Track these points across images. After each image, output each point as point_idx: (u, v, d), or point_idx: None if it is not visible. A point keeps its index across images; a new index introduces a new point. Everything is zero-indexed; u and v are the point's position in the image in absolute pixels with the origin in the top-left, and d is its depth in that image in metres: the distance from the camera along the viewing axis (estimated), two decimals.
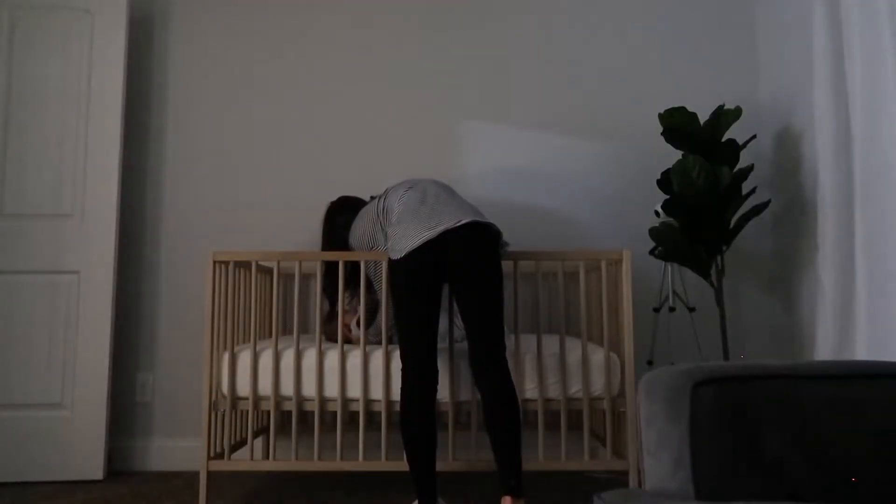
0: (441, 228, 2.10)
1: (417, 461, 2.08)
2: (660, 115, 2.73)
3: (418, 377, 2.11)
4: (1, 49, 3.00)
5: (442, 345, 2.28)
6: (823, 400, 1.00)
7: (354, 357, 2.37)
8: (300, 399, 2.36)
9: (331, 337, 2.59)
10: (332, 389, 2.36)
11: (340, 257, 2.43)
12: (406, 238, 2.12)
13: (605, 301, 2.43)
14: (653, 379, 1.03)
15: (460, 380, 2.33)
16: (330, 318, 2.59)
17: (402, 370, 2.15)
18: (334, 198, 2.80)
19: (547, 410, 2.35)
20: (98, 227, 2.96)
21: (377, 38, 3.29)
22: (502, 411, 2.07)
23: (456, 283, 2.17)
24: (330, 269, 2.52)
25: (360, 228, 2.46)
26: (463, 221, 2.12)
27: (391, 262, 2.17)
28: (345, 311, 2.55)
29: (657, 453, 0.98)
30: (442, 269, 2.12)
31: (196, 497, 2.53)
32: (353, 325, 2.60)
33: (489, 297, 2.13)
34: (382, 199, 2.40)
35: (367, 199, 2.69)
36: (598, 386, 2.35)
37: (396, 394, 2.34)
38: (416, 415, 2.08)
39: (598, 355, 2.38)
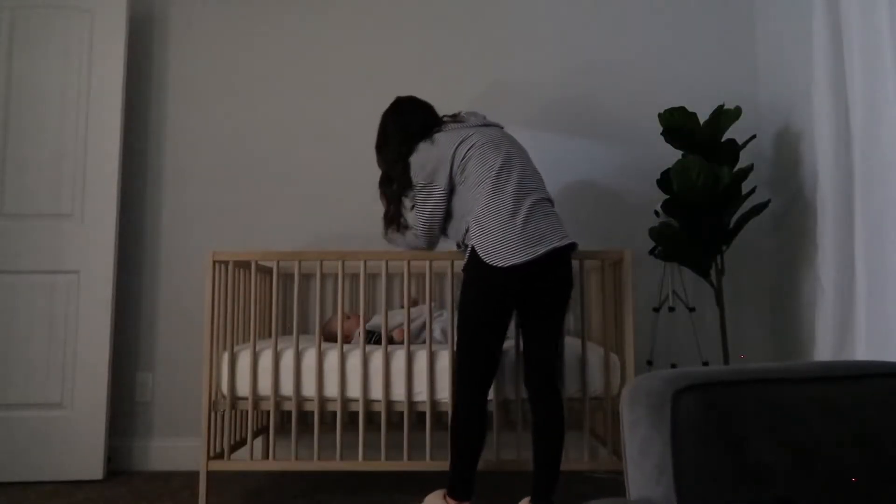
0: (547, 248, 2.02)
1: (467, 459, 2.09)
2: (660, 115, 2.73)
3: (482, 383, 2.10)
4: (1, 49, 3.00)
5: None
6: (810, 403, 0.99)
7: (354, 357, 2.37)
8: (300, 399, 2.36)
9: (330, 337, 2.60)
10: (331, 389, 2.36)
11: (346, 258, 2.42)
12: (506, 246, 2.01)
13: (605, 301, 2.43)
14: (635, 386, 1.03)
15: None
16: (392, 220, 2.37)
17: (464, 371, 2.11)
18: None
19: None
20: (98, 227, 2.96)
21: (377, 36, 3.29)
22: (552, 437, 2.11)
23: (534, 298, 2.11)
24: (386, 178, 2.37)
25: (425, 158, 2.20)
26: (565, 242, 2.08)
27: (483, 265, 2.03)
28: (346, 317, 2.55)
29: (640, 461, 0.98)
30: (529, 282, 2.07)
31: (196, 497, 2.53)
32: (355, 333, 2.60)
33: (560, 320, 2.16)
34: (463, 146, 2.16)
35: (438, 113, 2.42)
36: (597, 386, 2.35)
37: (395, 394, 2.35)
38: (475, 420, 2.09)
39: (598, 355, 2.38)
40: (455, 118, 2.31)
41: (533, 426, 2.13)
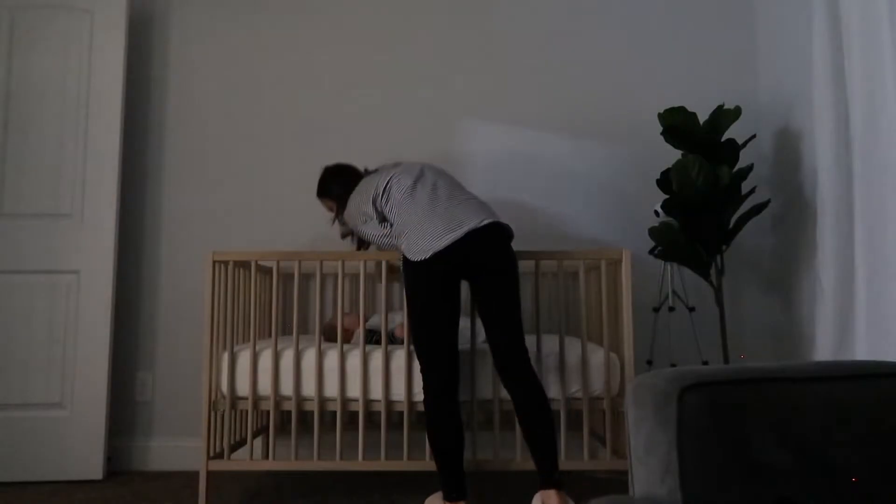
0: (466, 229, 2.09)
1: (447, 463, 2.09)
2: (660, 115, 2.73)
3: (445, 381, 2.10)
4: (1, 49, 3.00)
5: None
6: (814, 402, 1.00)
7: (354, 357, 2.37)
8: (300, 399, 2.36)
9: (330, 337, 2.60)
10: (331, 389, 2.36)
11: (346, 258, 2.42)
12: (428, 238, 2.09)
13: (605, 301, 2.43)
14: (640, 384, 1.02)
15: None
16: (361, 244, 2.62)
17: (425, 373, 2.13)
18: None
19: None
20: (98, 227, 2.96)
21: (377, 36, 3.29)
22: (536, 412, 2.10)
23: (478, 284, 2.15)
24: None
25: (355, 206, 2.39)
26: (486, 222, 2.13)
27: (411, 263, 2.12)
28: (345, 315, 2.54)
29: (645, 459, 0.98)
30: (464, 269, 2.12)
31: (196, 497, 2.53)
32: (355, 333, 2.60)
33: (512, 297, 2.16)
34: (384, 184, 2.31)
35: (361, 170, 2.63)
36: (597, 386, 2.36)
37: (395, 394, 2.35)
38: (446, 419, 2.09)
39: (597, 355, 2.38)
40: (371, 171, 2.54)
41: (516, 411, 2.13)
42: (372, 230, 2.32)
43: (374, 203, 2.30)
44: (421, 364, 2.14)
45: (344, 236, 2.62)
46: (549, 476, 2.06)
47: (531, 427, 2.10)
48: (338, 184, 2.55)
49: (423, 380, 2.14)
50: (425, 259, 2.07)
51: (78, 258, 2.94)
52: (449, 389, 2.10)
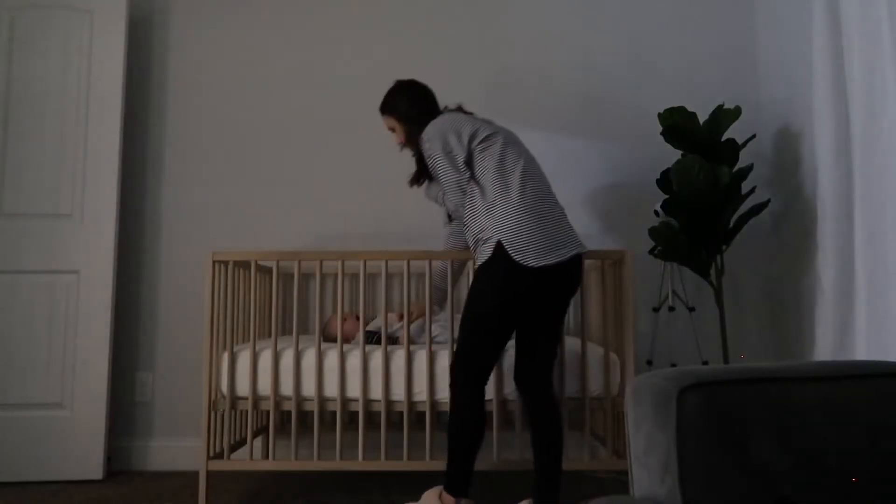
0: (572, 253, 2.05)
1: (465, 454, 2.08)
2: (659, 115, 2.73)
3: (484, 374, 2.09)
4: (1, 49, 3.00)
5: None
6: (812, 402, 1.00)
7: (354, 357, 2.37)
8: (299, 399, 2.36)
9: (330, 338, 2.59)
10: (331, 389, 2.36)
11: (346, 257, 2.42)
12: (536, 247, 2.01)
13: (605, 301, 2.43)
14: (640, 384, 1.02)
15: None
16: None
17: (468, 361, 2.07)
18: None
19: None
20: (98, 227, 2.96)
21: (378, 36, 3.29)
22: (551, 437, 2.10)
23: (546, 301, 2.11)
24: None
25: (442, 130, 2.16)
26: (582, 250, 2.11)
27: (511, 261, 2.00)
28: (344, 318, 2.54)
29: (645, 460, 0.98)
30: (548, 285, 2.07)
31: (196, 497, 2.53)
32: (358, 334, 2.59)
33: (561, 327, 2.18)
34: (488, 132, 2.15)
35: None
36: (597, 386, 2.35)
37: (394, 394, 2.35)
38: (474, 411, 2.08)
39: (597, 355, 2.38)
40: (465, 110, 2.35)
41: (531, 427, 2.12)
42: (449, 167, 2.12)
43: (470, 140, 2.13)
44: (465, 348, 2.08)
45: (415, 155, 2.36)
46: (550, 496, 2.07)
47: (543, 450, 2.09)
48: (409, 100, 2.31)
49: (461, 367, 2.08)
50: (534, 267, 1.99)
51: (78, 258, 2.94)
52: (482, 383, 2.09)
